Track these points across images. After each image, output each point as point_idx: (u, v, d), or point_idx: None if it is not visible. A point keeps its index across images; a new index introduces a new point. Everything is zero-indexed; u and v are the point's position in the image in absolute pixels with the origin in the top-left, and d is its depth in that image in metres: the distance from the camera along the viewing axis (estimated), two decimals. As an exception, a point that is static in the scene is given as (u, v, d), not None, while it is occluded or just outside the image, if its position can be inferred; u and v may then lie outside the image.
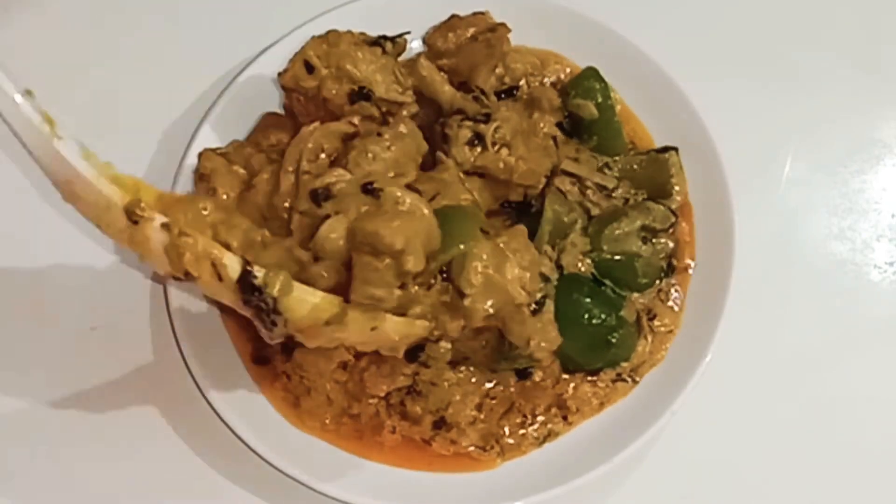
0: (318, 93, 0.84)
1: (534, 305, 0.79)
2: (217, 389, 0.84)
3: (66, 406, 0.88)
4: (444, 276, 0.76)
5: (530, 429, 0.86)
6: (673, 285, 0.90)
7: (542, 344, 0.80)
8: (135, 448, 0.88)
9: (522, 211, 0.87)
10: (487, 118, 0.83)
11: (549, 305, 0.81)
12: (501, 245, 0.77)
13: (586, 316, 0.84)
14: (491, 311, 0.76)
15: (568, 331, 0.82)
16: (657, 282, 0.89)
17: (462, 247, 0.75)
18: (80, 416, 0.88)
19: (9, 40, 0.99)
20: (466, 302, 0.75)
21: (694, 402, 0.86)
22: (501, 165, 0.83)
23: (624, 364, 0.88)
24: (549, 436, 0.86)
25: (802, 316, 0.95)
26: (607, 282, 0.88)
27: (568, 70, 0.95)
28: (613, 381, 0.87)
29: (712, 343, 0.86)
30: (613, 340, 0.85)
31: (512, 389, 0.87)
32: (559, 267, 0.85)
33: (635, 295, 0.89)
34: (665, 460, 0.89)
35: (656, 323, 0.89)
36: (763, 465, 0.90)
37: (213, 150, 0.85)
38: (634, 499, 0.89)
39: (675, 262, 0.90)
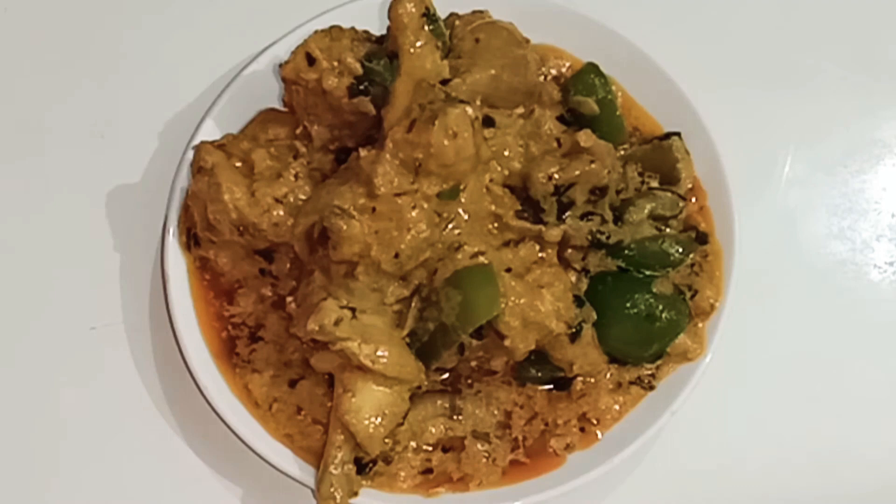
0: (318, 85, 0.84)
1: (572, 330, 0.81)
2: (217, 389, 0.84)
3: (66, 406, 0.88)
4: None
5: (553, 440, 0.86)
6: (706, 256, 0.89)
7: (586, 367, 0.83)
8: (134, 447, 0.88)
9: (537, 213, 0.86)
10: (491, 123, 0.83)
11: (587, 329, 0.82)
12: (531, 280, 0.80)
13: (620, 304, 0.84)
14: (532, 346, 0.80)
15: (609, 328, 0.83)
16: (691, 255, 0.87)
17: (494, 312, 0.77)
18: (79, 415, 0.88)
19: (8, 37, 0.99)
20: (507, 342, 0.79)
21: (694, 402, 0.86)
22: (506, 173, 0.83)
23: (671, 347, 0.86)
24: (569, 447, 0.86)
25: (802, 316, 0.95)
26: (642, 269, 0.86)
27: (568, 64, 0.95)
28: (631, 384, 0.87)
29: (712, 343, 0.86)
30: (656, 313, 0.84)
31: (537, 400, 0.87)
32: (586, 272, 0.85)
33: (672, 273, 0.87)
34: (665, 460, 0.89)
35: (699, 297, 0.87)
36: (763, 465, 0.90)
37: (211, 143, 0.85)
38: (634, 499, 0.89)
39: (701, 228, 0.89)
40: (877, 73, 1.03)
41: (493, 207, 0.81)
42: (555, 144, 0.85)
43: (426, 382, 0.81)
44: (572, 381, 0.86)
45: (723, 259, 0.89)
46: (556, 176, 0.82)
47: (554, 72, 0.95)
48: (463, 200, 0.80)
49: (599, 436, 0.86)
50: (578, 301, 0.82)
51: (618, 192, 0.86)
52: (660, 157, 0.91)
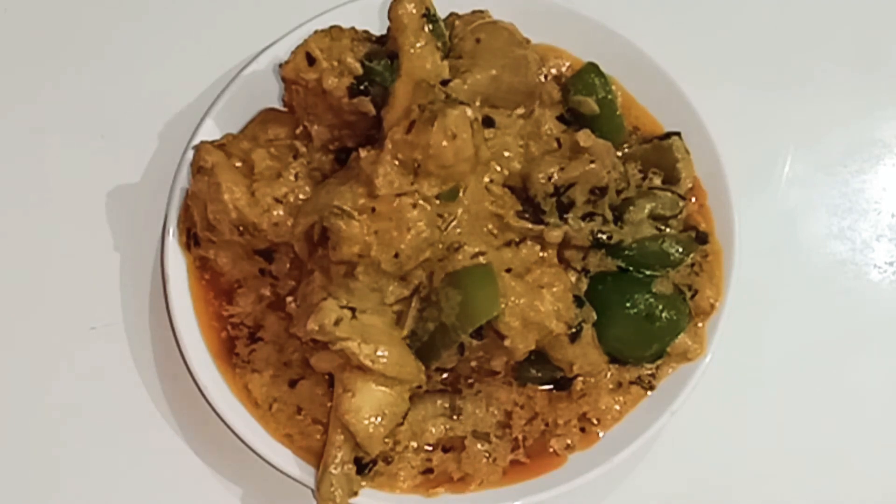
0: (318, 85, 0.84)
1: (572, 330, 0.81)
2: (217, 389, 0.84)
3: (66, 405, 0.88)
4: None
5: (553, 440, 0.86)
6: (706, 256, 0.89)
7: (586, 367, 0.84)
8: (134, 447, 0.88)
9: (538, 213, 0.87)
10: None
11: (587, 329, 0.82)
12: (531, 281, 0.80)
13: (620, 304, 0.84)
14: (532, 346, 0.80)
15: (609, 328, 0.83)
16: (691, 254, 0.87)
17: (494, 312, 0.78)
18: (79, 415, 0.88)
19: (8, 37, 0.99)
20: (507, 342, 0.79)
21: (694, 402, 0.86)
22: (506, 173, 0.83)
23: (671, 347, 0.86)
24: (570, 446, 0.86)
25: (802, 316, 0.95)
26: (642, 269, 0.86)
27: (568, 64, 0.95)
28: (631, 384, 0.87)
29: (712, 343, 0.86)
30: (656, 313, 0.84)
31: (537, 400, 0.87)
32: (586, 272, 0.85)
33: (672, 272, 0.87)
34: (665, 460, 0.89)
35: (699, 297, 0.87)
36: (763, 465, 0.90)
37: (211, 143, 0.85)
38: (635, 499, 0.89)
39: (701, 227, 0.89)
40: (877, 73, 1.03)
41: (493, 208, 0.81)
42: (555, 144, 0.85)
43: (426, 382, 0.81)
44: (572, 381, 0.86)
45: (723, 259, 0.89)
46: (556, 176, 0.82)
47: (554, 72, 0.95)
48: (465, 202, 0.80)
49: (600, 436, 0.86)
50: (578, 301, 0.82)
51: (618, 192, 0.86)
52: (660, 157, 0.91)
